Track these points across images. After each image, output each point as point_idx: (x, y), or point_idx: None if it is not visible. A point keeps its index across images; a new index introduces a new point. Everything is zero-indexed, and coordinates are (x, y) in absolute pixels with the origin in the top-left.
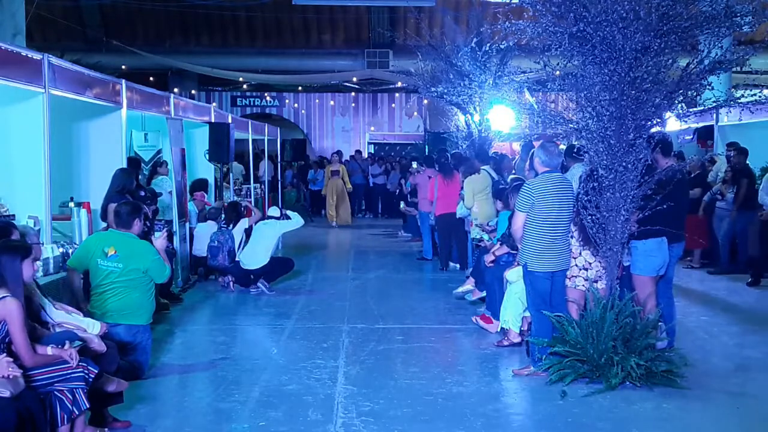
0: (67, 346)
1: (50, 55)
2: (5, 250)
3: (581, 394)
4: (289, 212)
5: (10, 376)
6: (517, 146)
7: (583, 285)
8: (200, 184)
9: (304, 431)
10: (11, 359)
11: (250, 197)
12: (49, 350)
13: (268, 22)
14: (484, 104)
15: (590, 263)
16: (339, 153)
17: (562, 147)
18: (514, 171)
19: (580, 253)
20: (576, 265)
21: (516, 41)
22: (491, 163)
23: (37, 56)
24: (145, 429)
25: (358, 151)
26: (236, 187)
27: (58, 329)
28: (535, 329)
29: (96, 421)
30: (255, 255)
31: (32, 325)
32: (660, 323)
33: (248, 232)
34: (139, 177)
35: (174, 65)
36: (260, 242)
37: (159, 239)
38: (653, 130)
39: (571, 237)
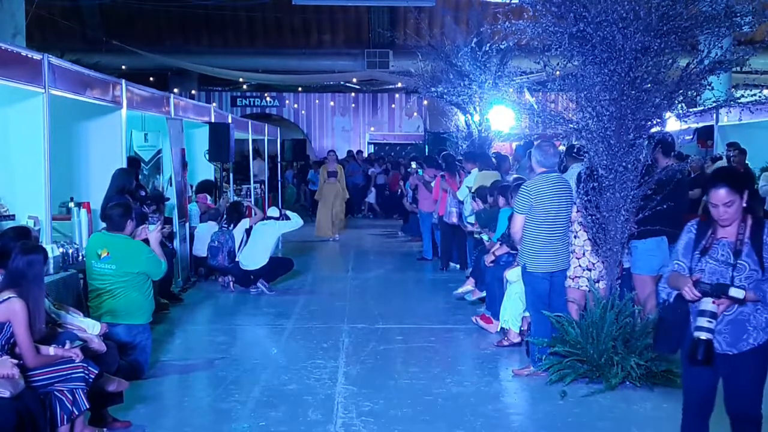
0: (67, 346)
1: (50, 55)
2: (31, 251)
3: (581, 394)
4: (288, 212)
5: (12, 376)
6: (514, 146)
7: (586, 285)
8: (205, 186)
9: (304, 431)
10: (16, 360)
11: (250, 197)
12: (52, 350)
13: (268, 22)
14: (484, 104)
15: (593, 263)
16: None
17: (562, 147)
18: (512, 172)
19: (584, 254)
20: (579, 266)
21: (516, 41)
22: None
23: (37, 56)
24: (145, 429)
25: (360, 151)
26: (236, 187)
27: (58, 329)
28: (534, 329)
29: (96, 421)
30: (254, 255)
31: (48, 328)
32: None
33: (248, 232)
34: (139, 177)
35: (174, 65)
36: (259, 242)
37: (153, 232)
38: (653, 130)
39: (575, 237)
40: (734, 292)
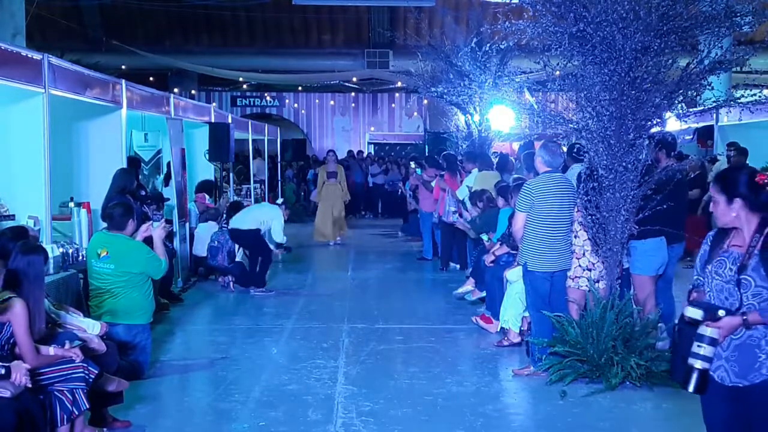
0: (67, 346)
1: (50, 55)
2: (32, 251)
3: (581, 394)
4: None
5: (21, 383)
6: (516, 146)
7: (586, 285)
8: (204, 186)
9: (304, 431)
10: (28, 366)
11: (250, 197)
12: (52, 350)
13: (268, 22)
14: (484, 104)
15: (594, 263)
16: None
17: (563, 148)
18: (514, 173)
19: (584, 254)
20: (579, 266)
21: (516, 41)
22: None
23: (37, 56)
24: (145, 429)
25: (360, 151)
26: (236, 186)
27: (58, 329)
28: (535, 329)
29: (96, 421)
30: (244, 218)
31: (48, 328)
32: (660, 323)
33: None
34: (139, 177)
35: (174, 65)
36: (254, 212)
37: (158, 229)
38: (653, 130)
39: (575, 237)
40: (689, 312)
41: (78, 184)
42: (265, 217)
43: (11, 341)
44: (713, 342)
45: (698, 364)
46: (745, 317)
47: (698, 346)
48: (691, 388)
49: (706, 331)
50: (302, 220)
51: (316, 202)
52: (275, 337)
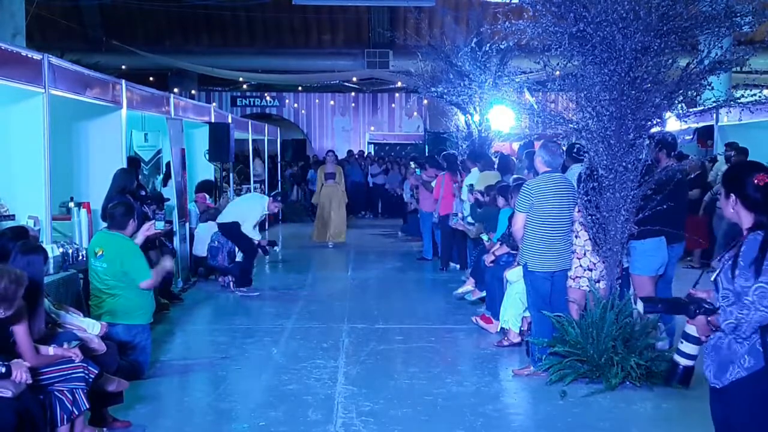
0: (66, 346)
1: (50, 55)
2: (32, 251)
3: (581, 394)
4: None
5: (22, 380)
6: (516, 146)
7: (587, 285)
8: (204, 186)
9: (304, 431)
10: (28, 364)
11: None
12: (51, 350)
13: (268, 22)
14: (484, 104)
15: (595, 263)
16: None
17: (564, 148)
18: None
19: (585, 254)
20: (581, 266)
21: (516, 41)
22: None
23: (37, 56)
24: (145, 429)
25: (361, 151)
26: (236, 186)
27: (58, 329)
28: (535, 329)
29: (96, 421)
30: (227, 212)
31: (48, 328)
32: (660, 323)
33: None
34: (139, 177)
35: (174, 65)
36: (236, 204)
37: (165, 261)
38: (653, 130)
39: (576, 237)
40: (639, 305)
41: (78, 184)
42: (244, 211)
43: (11, 341)
44: (696, 340)
45: (683, 362)
46: (709, 318)
47: (681, 342)
48: (672, 384)
49: (690, 329)
50: (302, 220)
51: (315, 203)
52: (275, 337)
